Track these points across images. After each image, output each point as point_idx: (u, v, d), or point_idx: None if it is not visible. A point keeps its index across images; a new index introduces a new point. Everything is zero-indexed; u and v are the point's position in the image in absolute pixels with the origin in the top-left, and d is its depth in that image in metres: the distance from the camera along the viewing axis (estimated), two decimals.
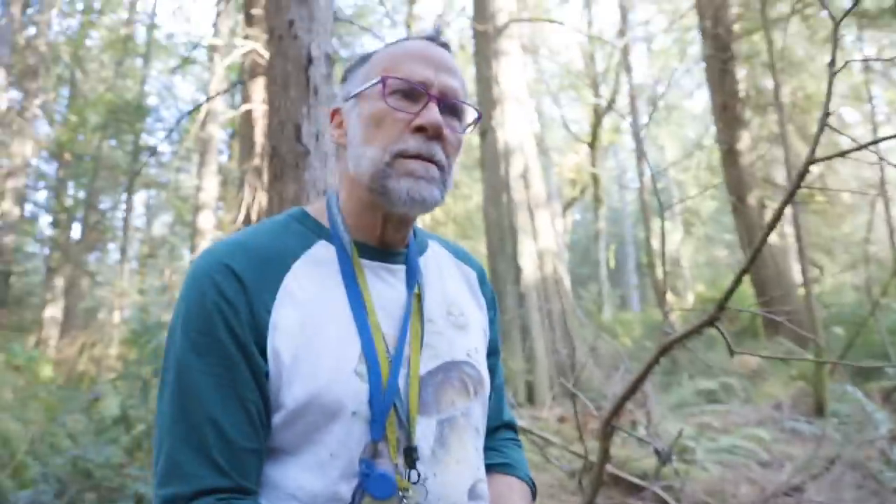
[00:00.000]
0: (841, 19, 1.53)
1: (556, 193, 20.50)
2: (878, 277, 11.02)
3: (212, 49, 14.13)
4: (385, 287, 1.00)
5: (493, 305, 1.20)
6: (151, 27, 20.79)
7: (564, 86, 21.91)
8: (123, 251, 19.83)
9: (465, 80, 1.03)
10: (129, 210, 21.33)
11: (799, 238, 7.11)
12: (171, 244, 24.33)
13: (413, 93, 0.96)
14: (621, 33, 15.83)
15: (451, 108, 0.99)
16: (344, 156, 1.04)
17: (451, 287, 1.11)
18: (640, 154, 16.64)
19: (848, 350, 7.20)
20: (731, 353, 1.59)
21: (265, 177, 10.69)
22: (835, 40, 1.54)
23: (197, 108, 17.95)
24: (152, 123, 21.65)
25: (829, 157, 1.47)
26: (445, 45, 1.03)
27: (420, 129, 0.94)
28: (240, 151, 12.96)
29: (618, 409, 1.75)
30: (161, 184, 22.37)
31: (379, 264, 1.01)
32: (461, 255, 1.20)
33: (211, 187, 14.09)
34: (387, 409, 0.90)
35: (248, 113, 11.17)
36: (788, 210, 12.53)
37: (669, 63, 21.34)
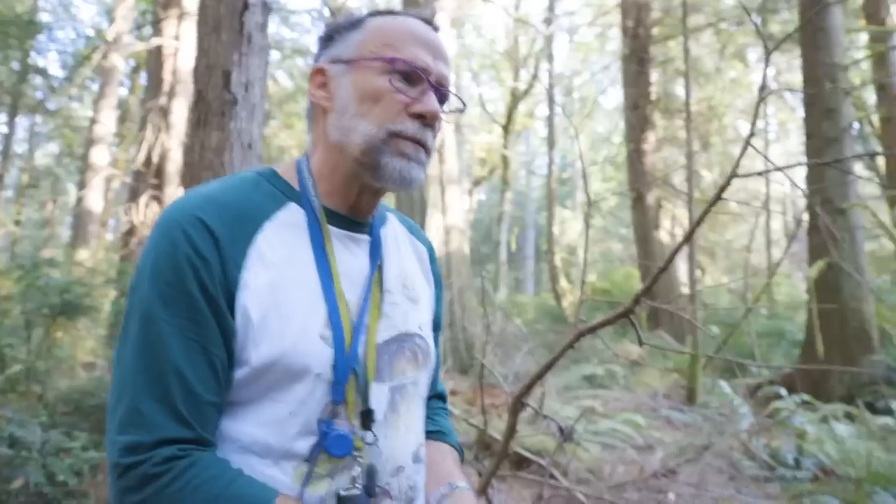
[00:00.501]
0: (774, 48, 1.66)
1: (465, 171, 20.73)
2: (753, 284, 11.93)
3: None
4: (349, 256, 1.01)
5: (440, 283, 1.25)
6: None
7: (486, 65, 22.05)
8: (1, 178, 18.31)
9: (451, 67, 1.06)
10: (10, 134, 19.67)
11: (690, 241, 7.55)
12: (56, 176, 22.72)
13: (413, 76, 0.98)
14: (547, 21, 16.06)
15: (442, 94, 1.02)
16: (322, 119, 1.03)
17: (406, 261, 1.14)
18: (552, 142, 17.07)
19: (721, 348, 7.77)
20: (640, 342, 1.71)
21: (170, 117, 10.22)
22: (765, 67, 1.67)
23: (99, 33, 16.77)
24: (45, 43, 20.00)
25: (750, 175, 1.59)
26: (437, 30, 1.05)
27: (419, 116, 0.97)
28: (146, 88, 12.24)
29: (530, 386, 1.85)
30: (50, 110, 20.71)
31: (345, 233, 1.02)
32: (415, 231, 1.24)
33: (108, 121, 13.22)
34: (348, 374, 0.93)
35: (159, 48, 10.56)
36: (683, 212, 13.25)
37: (589, 56, 21.91)
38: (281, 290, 0.91)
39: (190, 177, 3.01)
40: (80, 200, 12.64)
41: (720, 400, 6.14)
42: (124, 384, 0.86)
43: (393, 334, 1.03)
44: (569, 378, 7.24)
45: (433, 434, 1.21)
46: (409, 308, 1.09)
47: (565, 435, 1.75)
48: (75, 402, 4.54)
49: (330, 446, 0.90)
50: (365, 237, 1.06)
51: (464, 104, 1.08)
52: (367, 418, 0.95)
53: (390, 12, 1.04)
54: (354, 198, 1.03)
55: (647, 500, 4.01)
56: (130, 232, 9.62)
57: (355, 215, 1.04)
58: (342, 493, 0.90)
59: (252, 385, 0.90)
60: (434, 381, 1.26)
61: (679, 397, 7.24)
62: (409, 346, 1.06)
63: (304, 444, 0.91)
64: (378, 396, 0.98)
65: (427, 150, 0.99)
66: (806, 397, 5.50)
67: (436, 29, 1.05)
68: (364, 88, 0.97)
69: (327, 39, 1.06)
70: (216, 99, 2.99)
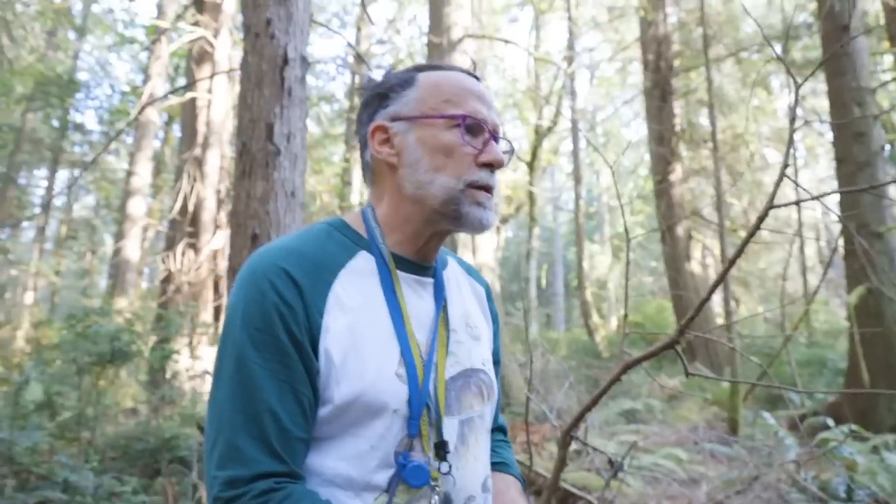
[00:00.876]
0: (803, 82, 1.71)
1: None
2: (790, 313, 11.73)
3: (153, 30, 13.70)
4: (417, 299, 1.09)
5: (496, 320, 1.33)
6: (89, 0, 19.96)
7: (508, 104, 22.32)
8: (42, 230, 18.87)
9: None
10: (50, 187, 20.33)
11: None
12: (94, 227, 23.36)
13: (475, 128, 1.07)
14: (568, 59, 16.27)
15: (497, 140, 1.12)
16: (389, 174, 1.10)
17: (466, 301, 1.22)
18: (578, 177, 17.14)
19: (761, 378, 7.64)
20: (687, 373, 1.74)
21: (205, 167, 10.51)
22: (795, 100, 1.72)
23: (134, 89, 17.37)
24: (82, 100, 20.79)
25: (788, 204, 1.64)
26: (480, 80, 1.15)
27: (487, 165, 1.07)
28: (180, 139, 12.63)
29: (578, 419, 1.88)
30: (87, 163, 21.41)
31: (412, 276, 1.10)
32: (472, 272, 1.32)
33: (144, 172, 13.63)
34: (422, 409, 1.00)
35: (192, 101, 10.93)
36: (713, 242, 13.15)
37: (611, 91, 22.07)
38: (358, 333, 0.99)
39: (237, 225, 3.13)
40: (118, 250, 12.97)
41: (764, 431, 6.03)
42: (221, 423, 0.93)
43: (459, 370, 1.10)
44: (607, 414, 7.17)
45: (497, 465, 1.27)
46: (473, 345, 1.16)
47: (616, 468, 1.77)
48: (123, 447, 4.64)
49: (408, 477, 0.96)
50: (430, 280, 1.13)
51: (512, 147, 1.17)
52: (441, 450, 1.01)
53: (437, 67, 1.13)
54: (423, 243, 1.10)
55: None
56: (168, 279, 9.85)
57: (421, 260, 1.12)
58: None
59: (334, 422, 0.97)
60: (496, 415, 1.31)
61: (720, 430, 7.11)
62: (474, 381, 1.13)
63: (383, 476, 0.97)
64: (449, 429, 1.04)
65: (493, 194, 1.08)
66: (854, 427, 5.38)
67: (479, 80, 1.14)
68: (434, 144, 1.06)
69: (381, 98, 1.12)
70: (260, 150, 3.11)
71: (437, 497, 0.98)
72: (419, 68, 1.14)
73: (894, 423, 6.04)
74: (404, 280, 1.08)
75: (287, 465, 0.92)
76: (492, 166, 1.07)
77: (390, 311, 1.03)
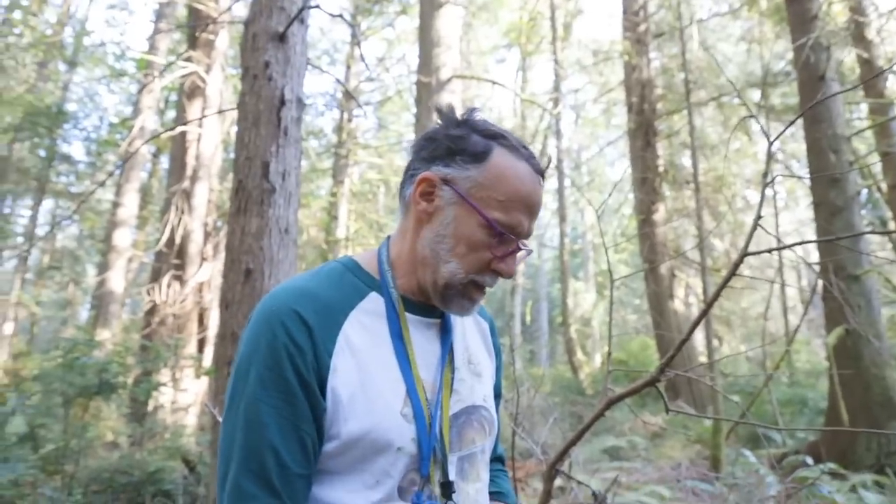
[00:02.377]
0: (776, 138, 1.83)
1: None
2: (772, 352, 11.87)
3: (144, 64, 13.84)
4: (423, 340, 1.15)
5: (499, 354, 1.39)
6: (81, 33, 20.13)
7: None
8: (24, 259, 18.70)
9: None
10: (35, 217, 20.22)
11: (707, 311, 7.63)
12: (76, 257, 23.16)
13: (508, 239, 1.10)
14: (554, 100, 16.59)
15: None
16: (417, 224, 1.14)
17: (470, 338, 1.28)
18: (563, 215, 17.35)
19: (743, 416, 7.71)
20: (667, 409, 1.81)
21: (193, 199, 10.56)
22: (769, 156, 1.84)
23: (123, 121, 17.45)
24: (70, 130, 20.80)
25: (761, 252, 1.74)
26: (544, 179, 1.17)
27: (498, 272, 1.12)
28: (169, 172, 12.67)
29: (563, 452, 1.95)
30: (73, 194, 21.35)
31: (419, 318, 1.16)
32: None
33: (131, 204, 13.63)
34: (431, 451, 1.06)
35: (182, 135, 11.03)
36: (696, 281, 13.31)
37: (596, 131, 22.47)
38: (365, 373, 1.05)
39: (231, 260, 3.19)
40: (102, 282, 12.90)
41: (745, 469, 6.09)
42: (229, 458, 1.00)
43: (461, 407, 1.16)
44: (591, 450, 7.20)
45: (494, 495, 1.33)
46: (475, 382, 1.22)
47: (599, 500, 1.83)
48: (107, 480, 4.60)
49: None
50: (436, 320, 1.19)
51: (531, 250, 1.18)
52: (447, 489, 1.08)
53: (515, 150, 1.12)
54: (426, 295, 1.16)
55: None
56: (152, 311, 9.82)
57: (428, 301, 1.17)
58: None
59: (341, 457, 1.03)
60: (495, 444, 1.38)
61: (703, 468, 7.15)
62: (475, 417, 1.19)
63: None
64: (449, 466, 1.10)
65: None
66: (833, 466, 5.45)
67: (543, 179, 1.16)
68: (465, 232, 1.09)
69: (450, 153, 1.11)
70: (256, 188, 3.20)
71: None
72: (501, 141, 1.12)
73: (873, 462, 6.13)
74: (412, 322, 1.14)
75: (284, 500, 0.98)
76: (501, 275, 1.12)
77: (396, 354, 1.09)
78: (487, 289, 1.13)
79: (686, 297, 14.07)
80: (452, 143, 1.11)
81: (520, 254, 1.14)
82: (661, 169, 13.22)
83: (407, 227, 1.17)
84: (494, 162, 1.09)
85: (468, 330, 1.29)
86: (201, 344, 9.38)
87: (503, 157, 1.10)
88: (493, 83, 11.37)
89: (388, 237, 1.23)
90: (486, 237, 1.08)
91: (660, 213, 12.82)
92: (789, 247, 1.69)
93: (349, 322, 1.07)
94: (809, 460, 5.52)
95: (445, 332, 1.20)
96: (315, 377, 1.01)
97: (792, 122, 1.79)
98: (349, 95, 14.39)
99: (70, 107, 21.09)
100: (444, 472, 1.08)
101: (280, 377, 1.00)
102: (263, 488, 0.97)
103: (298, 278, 1.13)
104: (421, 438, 1.05)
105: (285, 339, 1.01)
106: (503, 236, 1.08)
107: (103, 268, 14.04)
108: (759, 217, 1.71)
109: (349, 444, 1.02)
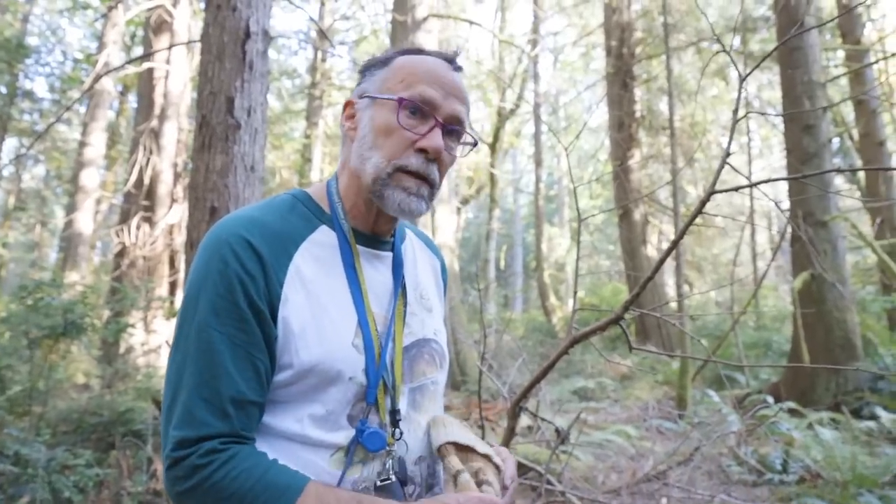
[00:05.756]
0: (746, 76, 1.80)
1: (454, 190, 20.90)
2: (740, 297, 12.13)
3: None
4: (375, 272, 1.14)
5: (445, 294, 1.39)
6: None
7: (472, 85, 22.29)
8: None
9: (469, 105, 1.16)
10: None
11: (677, 255, 7.73)
12: (43, 199, 22.67)
13: (424, 113, 1.08)
14: (532, 42, 16.31)
15: (452, 131, 1.12)
16: (348, 146, 1.15)
17: (421, 273, 1.28)
18: (539, 160, 17.29)
19: (710, 357, 7.91)
20: (630, 348, 1.83)
21: (161, 139, 10.30)
22: (739, 92, 1.81)
23: (87, 57, 16.83)
24: (33, 66, 20.03)
25: (728, 190, 1.73)
26: (460, 69, 1.16)
27: (422, 151, 1.07)
28: (136, 110, 12.30)
29: (528, 390, 1.96)
30: (37, 132, 20.68)
31: (371, 251, 1.15)
32: (430, 245, 1.38)
33: (98, 143, 13.25)
34: (379, 380, 1.06)
35: (150, 71, 10.68)
36: (669, 227, 13.44)
37: (574, 75, 22.23)
38: (317, 304, 1.04)
39: (195, 198, 3.12)
40: (70, 223, 12.64)
41: (709, 409, 6.27)
42: (178, 384, 0.98)
43: (412, 340, 1.16)
44: (560, 391, 7.35)
45: None
46: (426, 316, 1.22)
47: (562, 436, 1.86)
48: (76, 421, 4.60)
49: (366, 442, 1.02)
50: (388, 254, 1.18)
51: (476, 140, 1.17)
52: (395, 416, 1.08)
53: (420, 52, 1.15)
54: (373, 219, 1.15)
55: None
56: (122, 253, 9.67)
57: (378, 234, 1.16)
58: (379, 483, 1.03)
59: (293, 386, 1.02)
60: None
61: (669, 408, 7.36)
62: (427, 350, 1.19)
63: (339, 436, 1.03)
64: (401, 396, 1.11)
65: (431, 184, 1.09)
66: (792, 405, 5.63)
67: (457, 69, 1.15)
68: (379, 123, 1.09)
69: (361, 74, 1.17)
70: (220, 124, 3.10)
71: (391, 460, 1.05)
72: (404, 51, 1.16)
73: (831, 401, 6.35)
74: (363, 254, 1.13)
75: (235, 426, 0.97)
76: (427, 153, 1.07)
77: (349, 285, 1.08)
78: (430, 179, 1.08)
79: (659, 243, 14.23)
80: (364, 67, 1.18)
81: (466, 139, 1.15)
82: (637, 114, 13.16)
83: (344, 157, 1.18)
84: (398, 59, 1.14)
85: (420, 265, 1.29)
86: (172, 286, 9.29)
87: (407, 56, 1.15)
88: (471, 23, 11.12)
89: (335, 174, 1.20)
90: (401, 118, 1.07)
91: (635, 159, 12.82)
92: (756, 185, 1.68)
93: (300, 253, 1.06)
94: (770, 399, 5.70)
95: (397, 266, 1.19)
96: (266, 305, 1.00)
97: (765, 58, 1.76)
98: (323, 34, 14.00)
99: (31, 41, 20.25)
100: (394, 401, 1.09)
101: (232, 304, 0.98)
102: (216, 415, 0.95)
103: (248, 208, 1.11)
104: (369, 368, 1.05)
105: (237, 267, 0.99)
106: (415, 111, 1.07)
107: (71, 209, 13.75)
108: (727, 154, 1.69)
109: (301, 373, 1.01)
